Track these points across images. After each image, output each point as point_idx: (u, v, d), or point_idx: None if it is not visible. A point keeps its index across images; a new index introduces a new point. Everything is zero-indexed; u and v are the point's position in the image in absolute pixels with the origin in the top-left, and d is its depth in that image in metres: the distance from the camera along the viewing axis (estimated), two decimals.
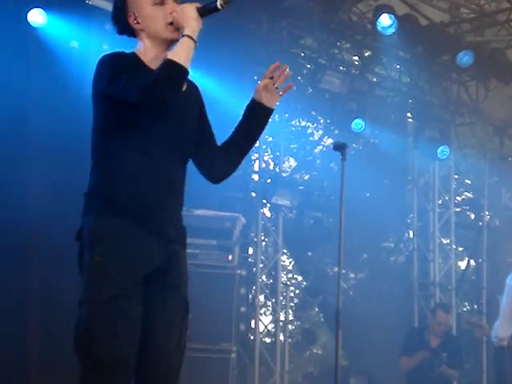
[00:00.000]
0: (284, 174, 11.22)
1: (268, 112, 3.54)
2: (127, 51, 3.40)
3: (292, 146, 15.44)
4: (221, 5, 3.28)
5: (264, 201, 10.75)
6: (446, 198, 11.68)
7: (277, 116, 11.42)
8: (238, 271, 8.84)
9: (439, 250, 11.37)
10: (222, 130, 10.58)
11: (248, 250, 10.59)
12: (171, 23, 3.31)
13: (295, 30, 10.19)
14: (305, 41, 10.85)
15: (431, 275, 11.20)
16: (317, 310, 15.83)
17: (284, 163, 12.96)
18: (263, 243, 12.38)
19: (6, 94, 7.90)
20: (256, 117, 3.56)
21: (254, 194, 10.74)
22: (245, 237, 10.08)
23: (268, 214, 12.60)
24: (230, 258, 8.82)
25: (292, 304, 15.70)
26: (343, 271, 5.79)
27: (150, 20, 3.34)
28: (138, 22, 3.36)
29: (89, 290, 3.19)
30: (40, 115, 8.21)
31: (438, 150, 10.58)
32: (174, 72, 3.18)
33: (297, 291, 16.72)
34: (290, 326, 12.25)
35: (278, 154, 11.36)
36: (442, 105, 11.19)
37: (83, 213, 3.31)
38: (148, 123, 3.27)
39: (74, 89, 8.26)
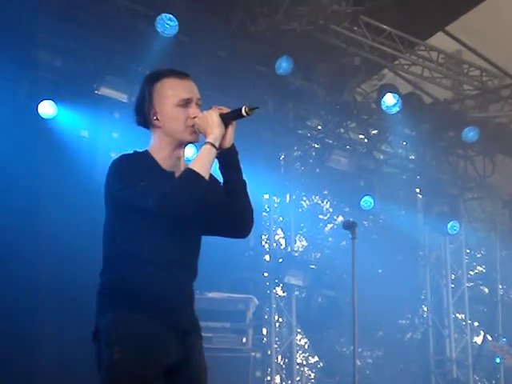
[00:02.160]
0: (295, 254, 11.22)
1: (226, 151, 3.35)
2: (140, 150, 3.39)
3: (302, 225, 15.49)
4: (246, 111, 3.24)
5: (276, 280, 10.74)
6: (459, 272, 11.65)
7: (287, 196, 11.52)
8: (253, 353, 8.78)
9: (454, 325, 11.29)
10: None
11: (262, 331, 10.53)
12: (192, 126, 3.30)
13: (301, 112, 10.36)
14: (311, 121, 11.00)
15: (447, 351, 11.09)
16: None
17: (295, 243, 12.97)
18: (277, 324, 12.30)
19: (17, 184, 8.02)
20: (224, 163, 3.38)
21: (266, 274, 10.74)
22: (258, 318, 10.04)
23: (281, 293, 12.57)
24: (244, 340, 8.78)
25: None
26: (359, 349, 5.76)
27: (171, 120, 3.31)
28: (157, 119, 3.33)
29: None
30: (50, 204, 8.31)
31: (448, 225, 10.60)
32: (194, 184, 3.17)
33: (313, 372, 16.51)
34: None
35: (288, 233, 11.39)
36: (450, 180, 11.26)
37: (97, 312, 3.27)
38: (161, 224, 3.25)
39: (85, 177, 8.39)
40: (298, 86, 9.18)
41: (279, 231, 13.91)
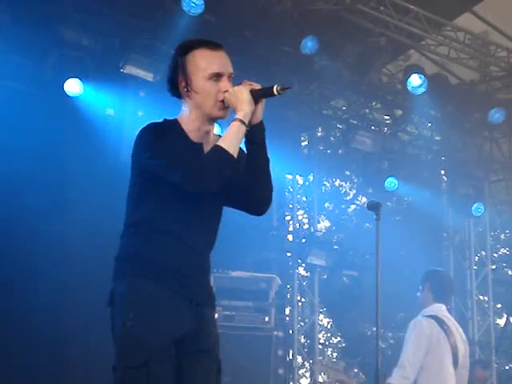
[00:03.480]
0: (318, 234, 11.23)
1: (254, 127, 3.30)
2: (169, 118, 3.37)
3: (326, 205, 15.49)
4: (277, 90, 3.20)
5: (299, 260, 10.77)
6: (483, 254, 11.61)
7: (311, 176, 11.52)
8: (275, 332, 8.82)
9: (477, 307, 11.27)
10: None
11: (284, 310, 10.57)
12: (222, 101, 3.26)
13: (326, 92, 10.34)
14: (336, 102, 10.98)
15: (470, 333, 11.07)
16: (356, 370, 15.65)
17: (318, 223, 12.98)
18: (299, 303, 12.34)
19: (43, 161, 8.09)
20: (250, 139, 3.33)
21: (289, 254, 10.77)
22: (281, 297, 10.07)
23: (303, 273, 12.58)
24: (267, 319, 8.81)
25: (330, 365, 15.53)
26: (381, 330, 5.76)
27: (202, 93, 3.27)
28: (188, 90, 3.29)
29: (121, 355, 3.17)
30: (77, 181, 8.38)
31: (473, 207, 10.55)
32: (222, 162, 3.16)
33: (335, 352, 16.58)
34: None
35: (312, 214, 11.39)
36: (475, 162, 11.20)
37: (113, 277, 3.29)
38: (185, 197, 3.23)
39: (111, 155, 8.44)
40: (323, 66, 9.15)
41: (302, 212, 13.93)
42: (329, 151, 12.06)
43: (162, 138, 3.22)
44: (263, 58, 8.98)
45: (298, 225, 11.61)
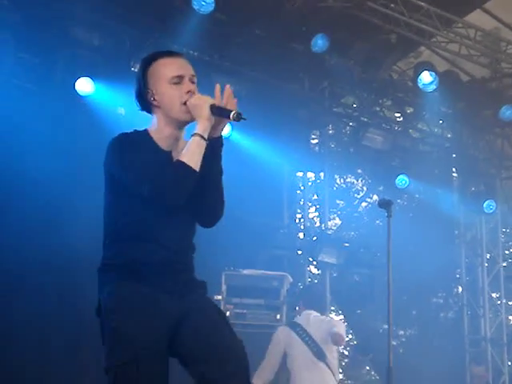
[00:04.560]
0: (329, 232, 11.22)
1: (214, 142, 3.41)
2: (140, 129, 3.47)
3: (338, 202, 15.48)
4: (233, 117, 3.28)
5: (310, 259, 10.76)
6: (494, 251, 11.59)
7: (322, 174, 11.51)
8: None
9: (489, 304, 11.25)
10: (264, 188, 10.63)
11: (296, 308, 10.56)
12: (185, 103, 3.36)
13: (336, 90, 10.34)
14: (346, 100, 10.97)
15: (482, 330, 11.06)
16: (367, 368, 15.66)
17: (330, 221, 12.98)
18: None
19: (54, 160, 8.11)
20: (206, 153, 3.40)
21: (300, 252, 10.76)
22: (292, 295, 10.06)
23: (315, 271, 12.59)
24: (279, 317, 8.81)
25: (342, 363, 15.52)
26: (392, 328, 5.76)
27: (166, 98, 3.39)
28: (154, 99, 3.42)
29: (110, 355, 3.26)
30: (88, 181, 8.37)
31: (484, 204, 10.52)
32: (185, 177, 3.28)
33: (346, 350, 16.54)
34: None
35: (322, 212, 11.39)
36: (487, 159, 11.18)
37: (98, 290, 3.40)
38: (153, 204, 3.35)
39: None
40: (333, 63, 9.16)
41: (313, 209, 13.94)
42: (339, 149, 12.04)
43: (132, 151, 3.34)
44: (274, 56, 8.99)
45: (308, 223, 11.60)
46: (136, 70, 8.19)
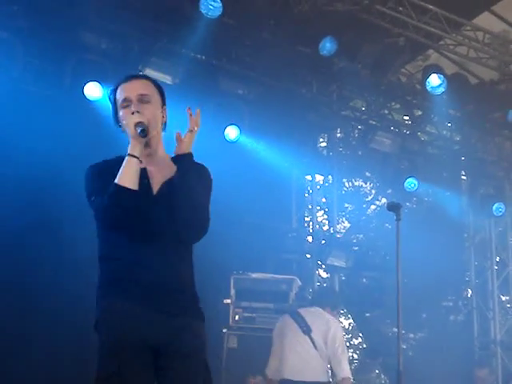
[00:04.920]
0: (338, 235, 11.21)
1: (181, 157, 3.58)
2: (116, 156, 3.57)
3: (346, 206, 15.47)
4: (140, 133, 3.43)
5: (319, 262, 10.75)
6: (504, 254, 11.56)
7: (330, 178, 11.51)
8: None
9: (499, 307, 11.23)
10: (273, 191, 10.60)
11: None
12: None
13: (345, 93, 10.34)
14: (355, 103, 10.97)
15: (492, 333, 11.04)
16: (377, 371, 15.61)
17: (338, 224, 12.97)
18: None
19: (63, 165, 8.13)
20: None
21: (308, 256, 10.76)
22: (301, 299, 10.05)
23: (324, 275, 12.57)
24: None
25: (352, 366, 15.50)
26: (402, 331, 5.75)
27: (123, 121, 3.54)
28: (120, 124, 3.59)
29: (98, 368, 3.37)
30: None
31: (493, 207, 10.51)
32: (119, 196, 3.37)
33: (356, 354, 16.54)
34: None
35: (331, 215, 11.38)
36: (496, 161, 11.15)
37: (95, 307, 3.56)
38: (130, 227, 3.44)
39: None
40: (341, 66, 9.14)
41: (321, 213, 13.92)
42: (348, 152, 12.04)
43: (94, 180, 3.53)
44: (282, 59, 8.99)
45: (317, 226, 11.59)
46: (143, 74, 8.29)
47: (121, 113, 3.56)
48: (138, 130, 3.41)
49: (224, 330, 8.51)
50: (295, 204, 11.00)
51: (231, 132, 9.01)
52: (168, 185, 3.53)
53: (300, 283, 9.19)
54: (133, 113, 3.48)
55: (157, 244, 3.46)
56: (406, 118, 11.23)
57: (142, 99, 3.55)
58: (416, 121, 10.96)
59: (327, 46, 8.63)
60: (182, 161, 3.54)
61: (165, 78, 8.42)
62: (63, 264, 8.13)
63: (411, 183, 10.23)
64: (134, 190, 3.38)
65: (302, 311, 7.46)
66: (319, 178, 12.09)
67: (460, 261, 11.96)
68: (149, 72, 8.42)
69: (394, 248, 5.58)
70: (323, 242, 10.83)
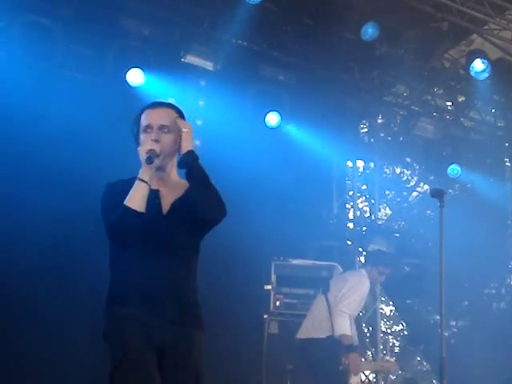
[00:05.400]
0: (379, 222, 11.16)
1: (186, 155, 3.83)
2: (131, 177, 3.81)
3: (387, 193, 15.39)
4: (146, 160, 3.71)
5: (360, 249, 10.71)
6: None
7: (371, 164, 11.45)
8: None
9: None
10: (317, 180, 10.58)
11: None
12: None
13: (387, 78, 10.25)
14: (397, 88, 10.88)
15: None
16: (419, 359, 15.56)
17: (379, 211, 12.90)
18: None
19: (105, 150, 8.19)
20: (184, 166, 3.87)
21: (349, 243, 10.72)
22: None
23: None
24: None
25: (393, 353, 15.46)
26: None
27: (141, 144, 3.83)
28: (138, 145, 3.87)
29: (112, 363, 3.63)
30: (137, 170, 8.42)
31: None
32: (124, 216, 3.67)
33: (397, 340, 16.49)
34: (391, 376, 12.05)
35: (372, 201, 11.33)
36: None
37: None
38: (138, 242, 3.73)
39: None
40: (384, 52, 9.08)
41: (362, 199, 13.87)
42: (389, 138, 11.96)
43: (109, 198, 3.81)
44: (324, 45, 8.94)
45: (358, 213, 11.54)
46: (185, 60, 8.31)
47: (141, 136, 3.86)
48: (145, 157, 3.69)
49: (265, 316, 8.52)
50: (336, 190, 10.96)
51: (272, 118, 9.00)
52: (180, 199, 3.82)
53: (341, 270, 9.16)
54: (152, 140, 3.78)
55: (162, 256, 3.74)
56: (449, 103, 11.11)
57: (163, 129, 3.84)
58: (459, 106, 10.85)
59: (369, 31, 8.56)
60: (186, 157, 3.80)
61: (206, 65, 8.44)
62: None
63: (454, 170, 10.14)
64: (139, 212, 3.67)
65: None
66: (360, 164, 12.03)
67: (503, 248, 11.83)
68: (190, 58, 8.44)
69: (436, 235, 5.54)
70: (364, 228, 10.79)
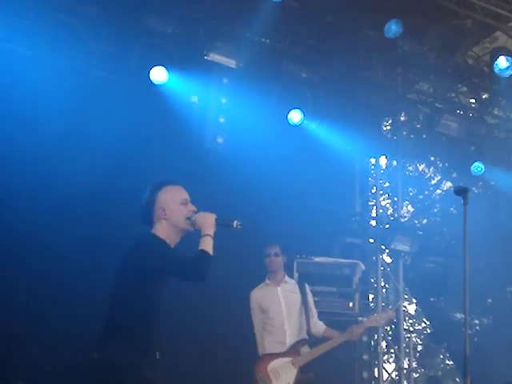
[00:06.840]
0: (402, 220, 11.12)
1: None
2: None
3: (409, 190, 15.34)
4: (236, 226, 4.64)
5: (383, 247, 10.69)
6: None
7: (394, 162, 11.42)
8: (360, 318, 8.79)
9: None
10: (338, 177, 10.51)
11: (368, 296, 10.51)
12: (189, 218, 4.68)
13: (410, 76, 10.22)
14: (420, 86, 10.84)
15: None
16: (441, 357, 15.51)
17: (402, 208, 12.86)
18: (384, 289, 12.26)
19: (128, 147, 8.24)
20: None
21: (372, 240, 10.70)
22: (365, 283, 10.01)
23: (387, 259, 12.48)
24: (351, 304, 8.80)
25: (416, 351, 15.43)
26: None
27: (176, 214, 4.72)
28: (165, 214, 4.68)
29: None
30: (162, 168, 8.47)
31: None
32: (207, 261, 4.53)
33: (420, 339, 16.44)
34: (414, 374, 12.03)
35: (395, 199, 11.30)
36: None
37: None
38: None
39: (194, 141, 8.53)
40: (407, 49, 9.06)
41: (385, 196, 13.84)
42: (412, 136, 11.92)
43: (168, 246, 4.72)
44: (346, 42, 8.94)
45: (381, 210, 11.51)
46: (208, 58, 8.33)
47: (181, 208, 4.71)
48: (238, 224, 4.62)
49: None
50: (359, 188, 10.94)
51: (295, 116, 9.00)
52: None
53: (363, 267, 9.16)
54: (191, 210, 4.71)
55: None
56: (473, 100, 11.06)
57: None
58: (483, 104, 10.80)
59: (393, 28, 8.55)
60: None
61: (229, 62, 8.45)
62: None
63: (478, 167, 10.09)
64: (212, 257, 4.59)
65: None
66: (382, 161, 12.00)
67: None
68: (213, 56, 8.46)
69: (459, 233, 5.51)
70: (387, 226, 10.76)
